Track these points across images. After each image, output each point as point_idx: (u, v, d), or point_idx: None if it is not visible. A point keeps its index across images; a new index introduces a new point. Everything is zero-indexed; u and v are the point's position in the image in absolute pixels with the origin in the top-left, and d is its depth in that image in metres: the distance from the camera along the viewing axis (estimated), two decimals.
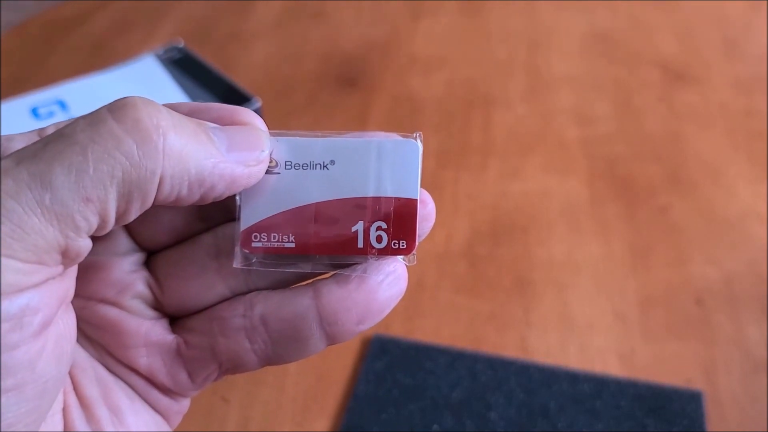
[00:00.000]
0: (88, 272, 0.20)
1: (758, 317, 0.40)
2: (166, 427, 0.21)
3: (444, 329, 0.41)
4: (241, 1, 0.79)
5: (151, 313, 0.20)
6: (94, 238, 0.18)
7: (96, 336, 0.20)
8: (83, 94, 0.56)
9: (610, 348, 0.39)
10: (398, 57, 0.67)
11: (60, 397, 0.19)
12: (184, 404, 0.21)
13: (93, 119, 0.16)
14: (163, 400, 0.21)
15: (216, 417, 0.38)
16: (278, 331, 0.19)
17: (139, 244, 0.21)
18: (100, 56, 0.70)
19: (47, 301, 0.16)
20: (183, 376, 0.20)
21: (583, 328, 0.41)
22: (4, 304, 0.15)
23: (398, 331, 0.41)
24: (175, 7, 0.78)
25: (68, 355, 0.17)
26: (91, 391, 0.19)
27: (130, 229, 0.20)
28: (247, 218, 0.19)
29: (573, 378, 0.38)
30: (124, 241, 0.20)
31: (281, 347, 0.20)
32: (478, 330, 0.41)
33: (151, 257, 0.21)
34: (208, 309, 0.20)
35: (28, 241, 0.15)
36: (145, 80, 0.57)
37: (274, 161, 0.19)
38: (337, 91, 0.62)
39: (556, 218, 0.48)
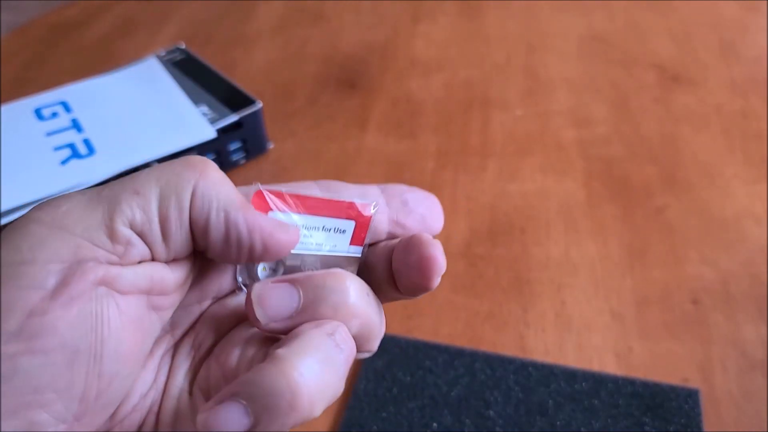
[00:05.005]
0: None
1: (754, 316, 0.41)
2: None
3: (443, 328, 0.42)
4: (242, 2, 0.79)
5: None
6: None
7: None
8: (86, 95, 0.56)
9: (608, 347, 0.40)
10: (397, 59, 0.67)
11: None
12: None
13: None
14: None
15: None
16: None
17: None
18: (102, 58, 0.70)
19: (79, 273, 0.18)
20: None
21: (580, 327, 0.41)
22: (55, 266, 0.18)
23: (397, 329, 0.42)
24: (177, 9, 0.79)
25: (103, 334, 0.19)
26: None
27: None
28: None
29: (571, 376, 0.38)
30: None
31: None
32: (477, 329, 0.41)
33: None
34: None
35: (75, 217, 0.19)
36: (147, 82, 0.57)
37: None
38: (337, 93, 0.63)
39: (554, 218, 0.48)
